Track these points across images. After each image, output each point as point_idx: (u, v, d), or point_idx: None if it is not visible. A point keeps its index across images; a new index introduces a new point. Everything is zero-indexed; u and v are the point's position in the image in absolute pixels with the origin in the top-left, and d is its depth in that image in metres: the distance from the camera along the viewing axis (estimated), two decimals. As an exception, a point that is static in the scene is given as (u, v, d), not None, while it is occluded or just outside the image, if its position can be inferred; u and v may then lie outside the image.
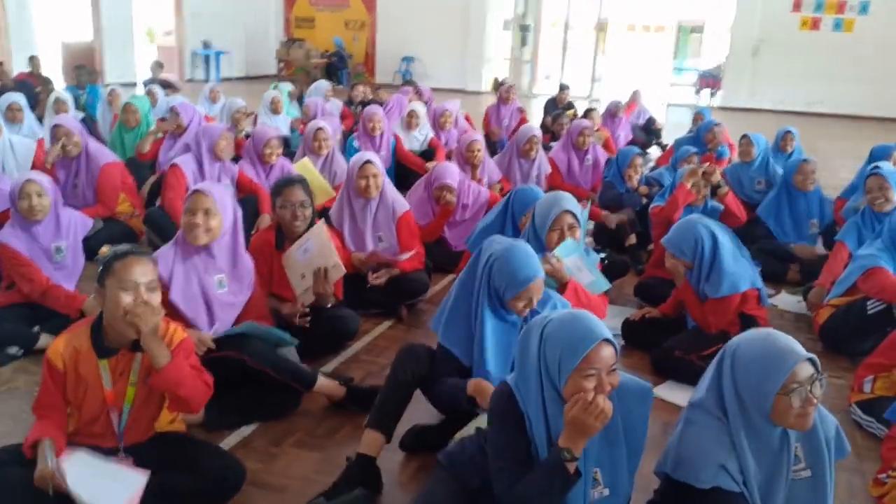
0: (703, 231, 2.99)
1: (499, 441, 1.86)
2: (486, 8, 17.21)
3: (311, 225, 3.06)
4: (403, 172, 6.21)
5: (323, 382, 2.67)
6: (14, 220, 3.15)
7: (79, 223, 3.30)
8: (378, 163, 3.70)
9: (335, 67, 17.67)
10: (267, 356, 2.59)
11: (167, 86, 9.90)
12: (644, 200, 4.64)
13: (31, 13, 12.96)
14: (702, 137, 6.50)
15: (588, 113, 7.84)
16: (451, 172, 4.30)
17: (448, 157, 6.55)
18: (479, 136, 5.26)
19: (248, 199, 4.38)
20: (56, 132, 4.29)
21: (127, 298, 1.98)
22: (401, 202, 3.74)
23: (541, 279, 2.27)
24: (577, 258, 2.80)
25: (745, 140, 5.26)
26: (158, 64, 10.46)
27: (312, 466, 2.42)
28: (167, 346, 2.05)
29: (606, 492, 1.86)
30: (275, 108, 7.02)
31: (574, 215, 2.85)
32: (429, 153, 6.36)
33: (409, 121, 6.44)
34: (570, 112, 9.69)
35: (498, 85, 17.95)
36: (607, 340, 1.76)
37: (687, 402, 1.95)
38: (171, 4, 16.28)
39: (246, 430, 2.59)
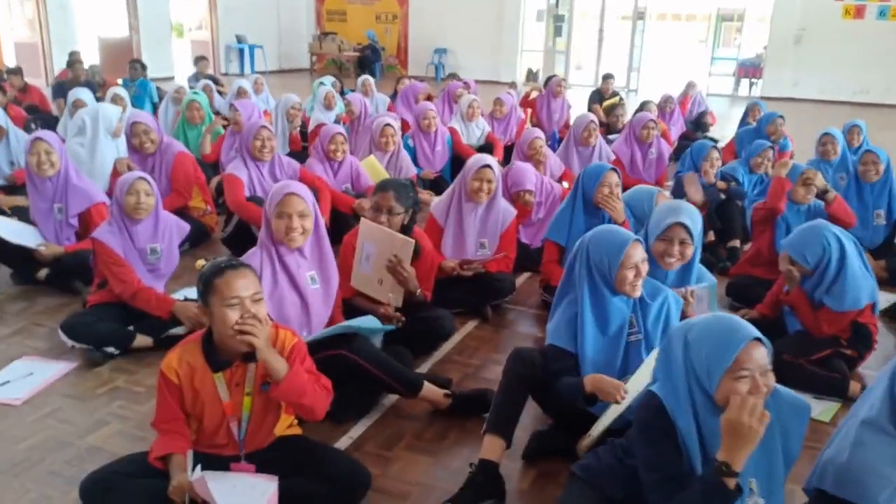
0: (832, 240, 2.84)
1: (650, 454, 1.79)
2: (520, -1, 17.04)
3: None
4: (461, 167, 6.14)
5: (428, 389, 2.62)
6: (114, 218, 3.13)
7: (174, 227, 3.26)
8: (496, 168, 3.61)
9: (368, 60, 17.61)
10: (377, 357, 2.55)
11: (214, 82, 9.90)
12: (722, 196, 4.52)
13: (71, 10, 13.06)
14: (763, 130, 6.34)
15: (644, 105, 7.71)
16: (529, 175, 4.20)
17: (506, 153, 6.49)
18: (539, 133, 5.16)
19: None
20: (135, 129, 4.27)
21: (234, 315, 1.92)
22: (509, 210, 3.65)
23: (639, 243, 2.29)
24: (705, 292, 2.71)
25: (829, 138, 5.09)
26: (202, 58, 10.43)
27: (429, 471, 2.36)
28: (281, 354, 2.01)
29: (762, 502, 1.78)
30: (328, 104, 6.97)
31: (688, 230, 2.65)
32: (487, 148, 6.27)
33: (470, 111, 6.34)
34: (614, 100, 9.56)
35: (531, 75, 17.91)
36: (758, 339, 1.68)
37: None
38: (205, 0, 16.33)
39: (355, 433, 2.54)
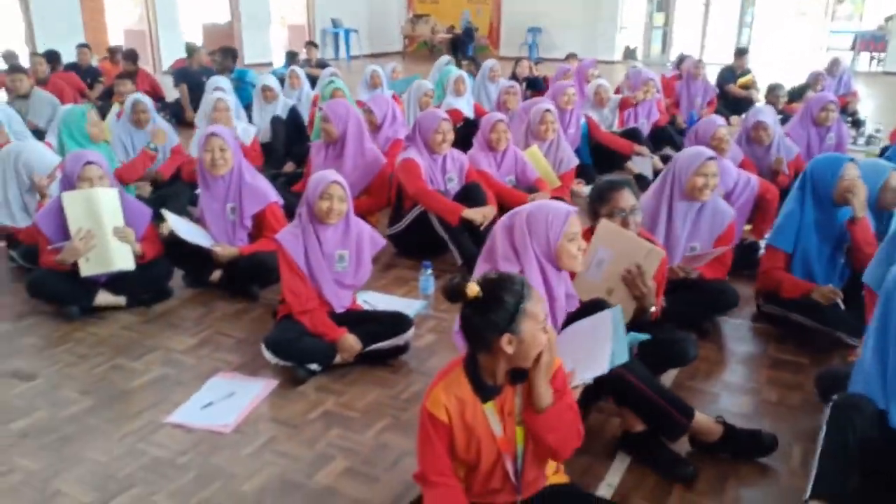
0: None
1: None
2: (621, -28, 16.22)
3: None
4: (601, 157, 5.71)
5: (700, 417, 2.24)
6: (300, 221, 2.85)
7: (367, 236, 2.95)
8: (722, 163, 3.18)
9: (461, 42, 17.19)
10: (651, 380, 2.20)
11: (323, 66, 9.70)
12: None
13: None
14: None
15: (774, 89, 7.06)
16: (731, 171, 3.73)
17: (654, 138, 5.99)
18: (722, 121, 4.60)
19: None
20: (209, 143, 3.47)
21: (542, 337, 1.67)
22: (726, 209, 3.19)
23: None
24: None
25: None
26: (311, 44, 10.24)
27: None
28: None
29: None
30: (457, 90, 6.61)
31: None
32: (634, 135, 5.79)
33: (598, 97, 5.86)
34: (748, 78, 8.87)
35: (629, 53, 17.07)
36: None
37: None
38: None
39: (612, 479, 2.18)
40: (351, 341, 2.75)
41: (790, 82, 8.00)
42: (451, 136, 3.99)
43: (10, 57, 8.15)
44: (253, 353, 2.90)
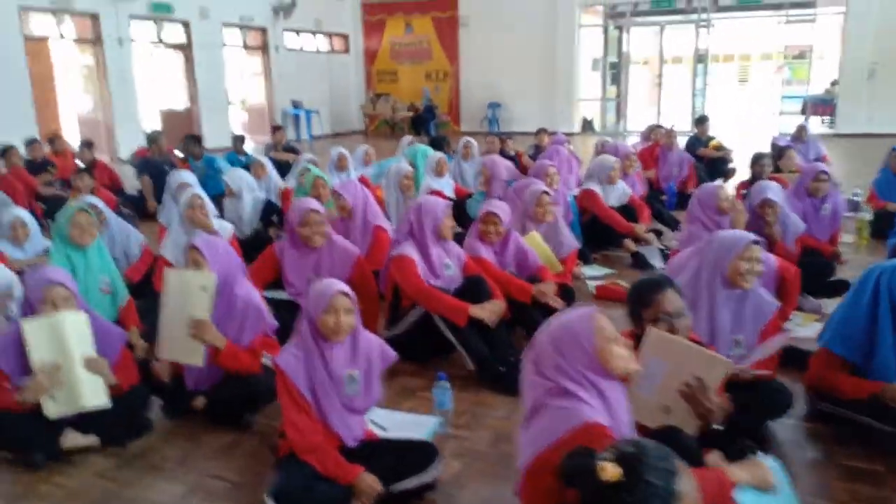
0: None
1: None
2: (575, 48, 16.68)
3: None
4: (597, 233, 5.51)
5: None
6: (302, 339, 2.49)
7: (378, 350, 2.61)
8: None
9: (423, 119, 17.32)
10: None
11: (293, 152, 9.46)
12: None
13: (133, 84, 12.90)
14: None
15: (759, 159, 7.04)
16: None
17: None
18: (718, 182, 4.44)
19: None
20: (308, 219, 3.68)
21: None
22: (769, 300, 2.93)
23: None
24: None
25: None
26: (278, 128, 10.01)
27: None
28: None
29: None
30: (439, 171, 6.41)
31: None
32: (628, 211, 5.62)
33: (612, 175, 5.71)
34: (717, 142, 8.95)
35: (587, 124, 17.34)
36: None
37: None
38: (260, 67, 16.23)
39: None
40: (369, 482, 2.35)
41: (749, 149, 8.04)
42: (450, 224, 3.73)
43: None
44: (253, 500, 2.48)
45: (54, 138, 8.95)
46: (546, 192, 4.43)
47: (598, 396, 1.91)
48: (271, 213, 5.94)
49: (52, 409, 2.66)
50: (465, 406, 3.14)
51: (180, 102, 14.42)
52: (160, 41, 13.62)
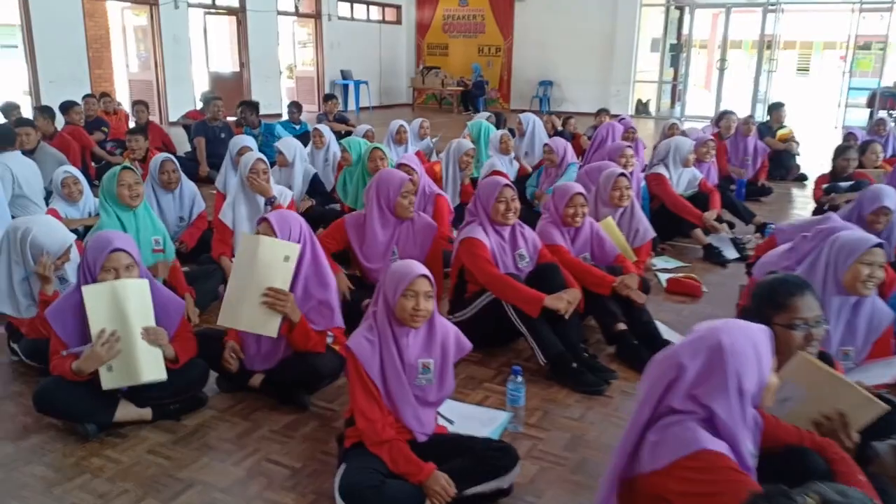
0: None
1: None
2: (635, 28, 16.13)
3: None
4: (665, 221, 5.20)
5: None
6: (377, 323, 2.30)
7: (453, 340, 2.40)
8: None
9: (472, 95, 16.97)
10: None
11: (343, 121, 9.29)
12: None
13: (187, 48, 12.84)
14: None
15: (843, 152, 6.62)
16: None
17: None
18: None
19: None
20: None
21: None
22: (887, 310, 2.66)
23: None
24: None
25: None
26: (331, 97, 9.80)
27: None
28: None
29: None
30: (504, 149, 6.15)
31: None
32: (699, 198, 5.29)
33: (690, 158, 5.39)
34: (787, 131, 8.48)
35: (642, 106, 16.80)
36: None
37: None
38: (312, 35, 16.07)
39: None
40: (442, 482, 2.16)
41: (812, 142, 7.58)
42: (516, 205, 3.48)
43: (11, 109, 7.65)
44: (315, 490, 2.32)
45: (105, 97, 8.91)
46: (624, 175, 4.15)
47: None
48: (315, 187, 5.75)
49: (109, 380, 2.53)
50: (536, 403, 2.93)
51: (230, 67, 14.34)
52: (213, 4, 13.50)
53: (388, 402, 2.29)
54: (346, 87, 16.28)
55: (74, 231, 4.19)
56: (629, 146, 5.23)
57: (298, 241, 2.78)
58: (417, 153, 6.66)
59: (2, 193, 3.90)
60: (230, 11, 13.87)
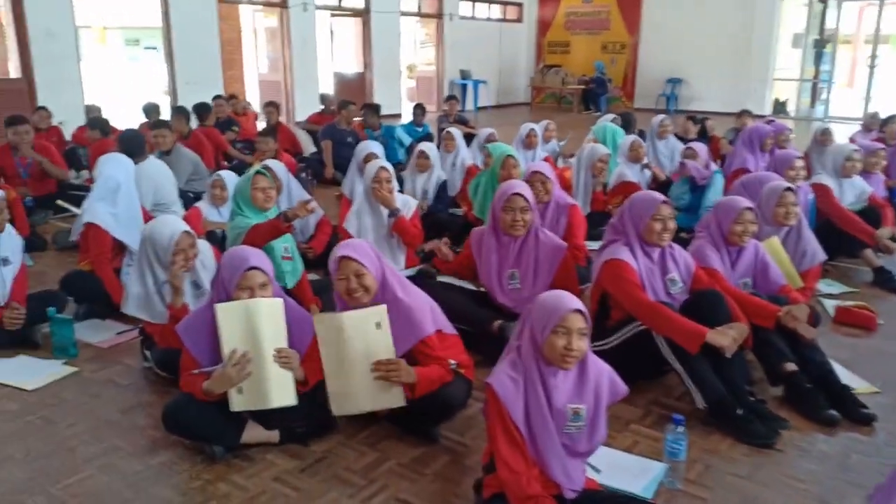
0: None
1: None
2: (774, 22, 15.00)
3: None
4: (828, 239, 4.60)
5: None
6: (522, 361, 2.04)
7: (606, 381, 2.09)
8: None
9: (594, 94, 16.41)
10: None
11: (463, 122, 9.12)
12: None
13: (314, 50, 13.12)
14: None
15: None
16: None
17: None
18: None
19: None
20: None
21: None
22: None
23: None
24: None
25: None
26: (452, 98, 9.68)
27: None
28: None
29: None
30: (635, 156, 5.73)
31: None
32: (870, 213, 4.66)
33: (849, 166, 4.77)
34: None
35: (779, 106, 15.56)
36: None
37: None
38: (432, 35, 16.07)
39: None
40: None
41: None
42: (673, 225, 3.09)
43: (151, 110, 8.01)
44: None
45: (232, 98, 9.18)
46: (790, 189, 3.67)
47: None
48: (441, 194, 5.55)
49: (238, 402, 2.41)
50: (695, 453, 2.56)
51: (353, 68, 14.56)
52: (339, 5, 13.74)
53: (533, 452, 2.03)
54: (464, 86, 16.17)
55: (211, 236, 4.22)
56: (800, 157, 4.67)
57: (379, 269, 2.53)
58: (546, 158, 6.36)
59: (138, 202, 3.96)
60: (356, 13, 14.07)
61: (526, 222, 3.35)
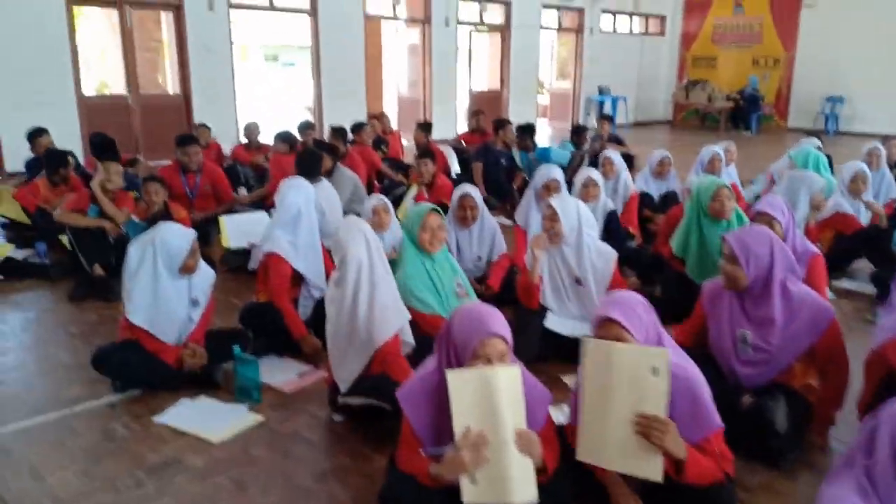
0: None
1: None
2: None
3: None
4: None
5: None
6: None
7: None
8: None
9: (744, 112, 15.27)
10: None
11: (618, 142, 8.50)
12: None
13: (454, 66, 12.94)
14: None
15: None
16: None
17: None
18: None
19: None
20: None
21: None
22: None
23: None
24: None
25: None
26: (606, 117, 9.09)
27: None
28: None
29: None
30: (856, 189, 4.93)
31: None
32: None
33: None
34: None
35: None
36: None
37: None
38: (570, 50, 15.55)
39: None
40: None
41: None
42: None
43: (306, 128, 7.94)
44: None
45: (380, 117, 9.02)
46: None
47: None
48: (609, 226, 4.92)
49: (471, 494, 1.99)
50: None
51: (490, 84, 14.27)
52: (481, 21, 13.49)
53: None
54: (601, 103, 15.51)
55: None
56: None
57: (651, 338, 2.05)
58: (732, 185, 5.66)
59: (317, 231, 3.70)
60: (496, 28, 13.79)
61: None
